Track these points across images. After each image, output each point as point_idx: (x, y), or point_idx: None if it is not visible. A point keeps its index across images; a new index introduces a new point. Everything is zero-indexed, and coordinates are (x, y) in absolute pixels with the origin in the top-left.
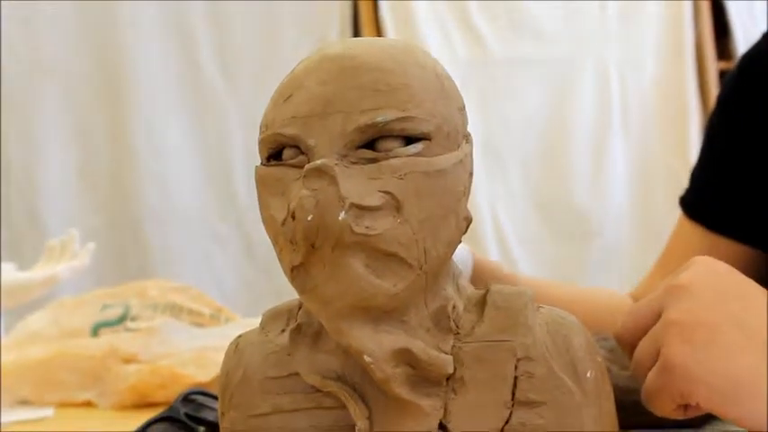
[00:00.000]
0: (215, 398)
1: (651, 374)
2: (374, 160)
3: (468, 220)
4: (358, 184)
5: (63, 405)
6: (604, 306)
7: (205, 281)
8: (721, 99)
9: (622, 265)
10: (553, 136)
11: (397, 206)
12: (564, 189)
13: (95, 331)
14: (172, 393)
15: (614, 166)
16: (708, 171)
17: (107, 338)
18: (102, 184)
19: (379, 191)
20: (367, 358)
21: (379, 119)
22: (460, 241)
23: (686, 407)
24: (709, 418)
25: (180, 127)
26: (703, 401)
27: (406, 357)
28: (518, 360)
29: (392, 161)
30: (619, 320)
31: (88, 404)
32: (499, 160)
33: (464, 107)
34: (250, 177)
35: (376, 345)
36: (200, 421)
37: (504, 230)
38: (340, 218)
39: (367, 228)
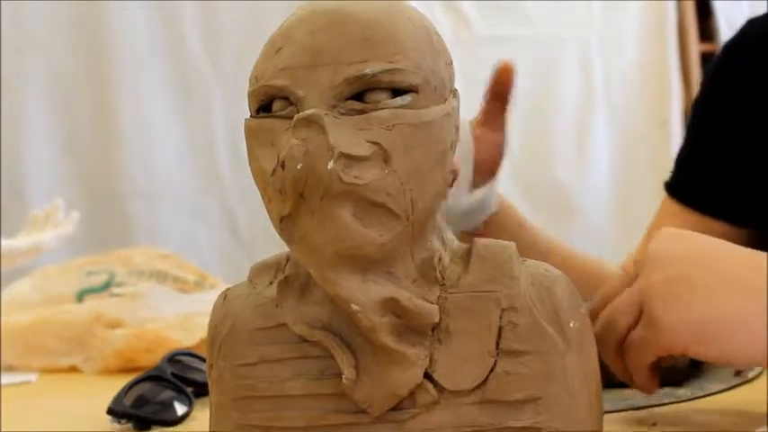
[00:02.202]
0: (201, 359)
1: (634, 332)
2: (362, 112)
3: (455, 173)
4: (347, 134)
5: (48, 371)
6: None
7: (187, 256)
8: (706, 82)
9: (604, 242)
10: (536, 115)
11: (385, 157)
12: (546, 168)
13: (80, 298)
14: (158, 357)
15: (597, 146)
16: (694, 154)
17: (92, 304)
18: (85, 158)
19: (368, 141)
20: (354, 307)
21: (367, 71)
22: (446, 196)
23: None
24: (688, 376)
25: (164, 102)
26: (688, 347)
27: (392, 307)
28: (503, 310)
29: (380, 112)
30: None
31: (73, 369)
32: None
33: (452, 62)
34: (233, 153)
35: (363, 294)
36: (187, 381)
37: None
38: (329, 167)
39: (355, 177)
